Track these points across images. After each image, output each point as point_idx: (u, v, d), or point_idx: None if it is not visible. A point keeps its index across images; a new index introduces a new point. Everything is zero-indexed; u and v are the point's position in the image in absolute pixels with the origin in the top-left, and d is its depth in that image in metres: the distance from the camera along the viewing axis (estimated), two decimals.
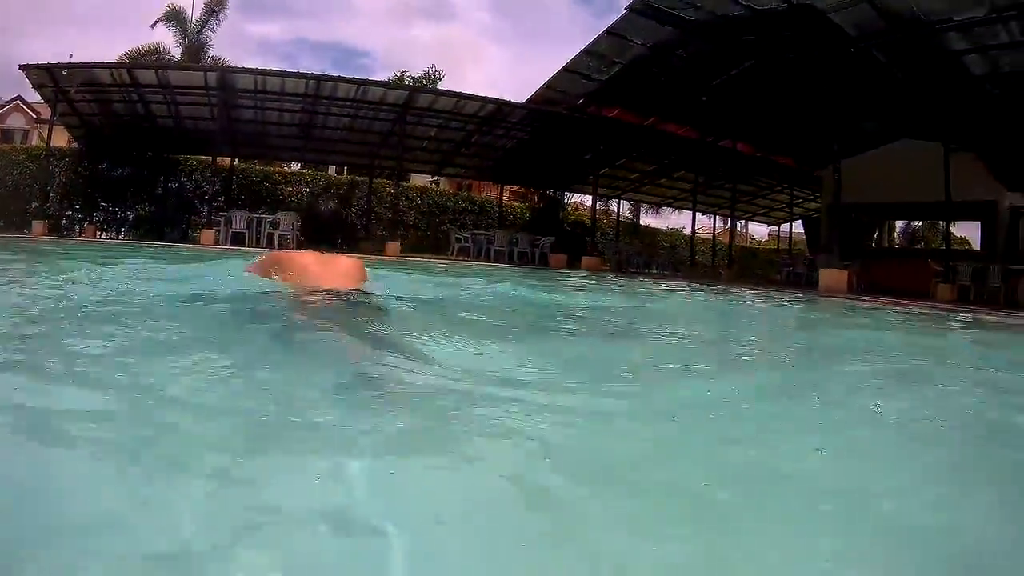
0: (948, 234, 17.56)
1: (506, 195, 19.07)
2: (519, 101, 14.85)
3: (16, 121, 25.08)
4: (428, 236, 17.85)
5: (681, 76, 14.48)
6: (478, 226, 17.52)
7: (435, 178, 21.27)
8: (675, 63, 13.92)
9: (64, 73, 14.44)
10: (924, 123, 14.34)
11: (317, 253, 3.16)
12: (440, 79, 23.92)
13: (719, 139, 17.05)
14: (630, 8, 12.13)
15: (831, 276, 12.13)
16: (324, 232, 3.46)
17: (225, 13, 21.79)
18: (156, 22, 21.58)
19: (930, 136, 13.72)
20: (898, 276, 15.01)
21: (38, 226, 14.57)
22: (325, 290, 2.88)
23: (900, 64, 12.16)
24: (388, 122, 15.27)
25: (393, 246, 14.02)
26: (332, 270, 3.02)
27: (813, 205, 19.80)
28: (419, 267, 9.87)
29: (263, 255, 3.47)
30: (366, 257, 12.46)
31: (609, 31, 12.96)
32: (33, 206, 16.66)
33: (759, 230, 31.52)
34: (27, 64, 14.23)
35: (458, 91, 14.84)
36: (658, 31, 12.64)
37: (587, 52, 13.58)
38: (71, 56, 16.51)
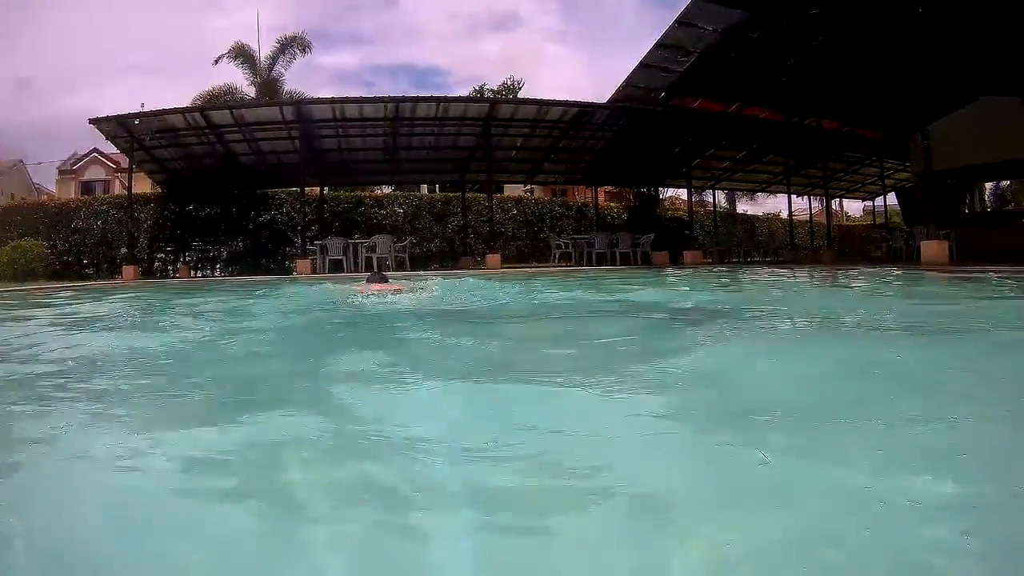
0: None
1: (601, 196, 18.81)
2: (602, 101, 14.65)
3: (96, 173, 25.84)
4: (528, 245, 17.71)
5: (757, 58, 14.23)
6: (577, 230, 17.26)
7: (529, 187, 21.12)
8: (749, 46, 13.64)
9: (136, 122, 14.63)
10: (1002, 77, 13.80)
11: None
12: (520, 88, 23.79)
13: (804, 118, 16.57)
14: None
15: (932, 248, 11.72)
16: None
17: (296, 50, 21.97)
18: (219, 58, 21.89)
19: (1010, 91, 13.19)
20: (995, 240, 14.37)
21: (128, 271, 14.84)
22: None
23: (969, 18, 11.61)
24: (473, 136, 15.13)
25: (494, 258, 13.89)
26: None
27: (904, 175, 19.07)
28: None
29: None
30: (466, 272, 12.41)
31: (679, 21, 12.87)
32: (122, 252, 17.07)
33: (854, 206, 30.94)
34: (97, 117, 14.49)
35: (539, 98, 14.65)
36: (728, 15, 12.48)
37: (661, 45, 13.43)
38: (143, 104, 16.87)
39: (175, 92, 57.35)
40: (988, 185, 25.95)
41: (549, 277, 9.82)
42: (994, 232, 15.24)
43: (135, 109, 14.96)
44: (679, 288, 7.51)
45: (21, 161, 27.07)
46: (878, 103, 16.18)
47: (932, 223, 12.56)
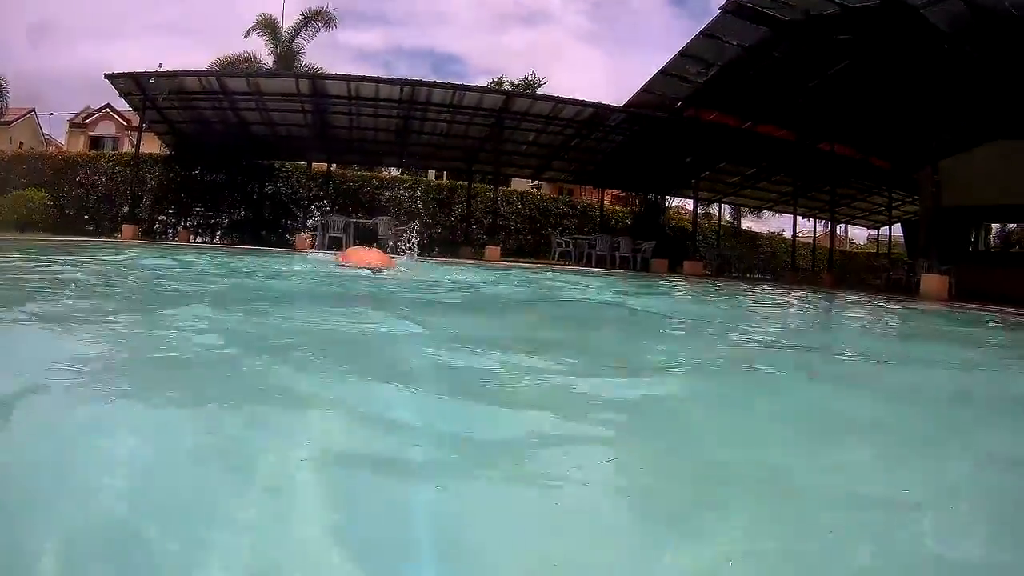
0: None
1: (607, 199, 18.82)
2: (617, 104, 14.63)
3: (106, 129, 25.74)
4: (530, 241, 17.71)
5: (777, 78, 14.22)
6: (580, 230, 17.27)
7: (536, 182, 21.11)
8: (771, 64, 13.64)
9: (151, 81, 14.53)
10: (1020, 121, 13.73)
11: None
12: (540, 85, 23.91)
13: (817, 141, 16.54)
14: (724, 9, 12.02)
15: (932, 282, 11.82)
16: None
17: (320, 24, 21.86)
18: (250, 31, 21.80)
19: None
20: (998, 281, 14.32)
21: (128, 230, 14.78)
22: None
23: (994, 60, 11.61)
24: (486, 127, 15.10)
25: (493, 251, 13.88)
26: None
27: (911, 208, 19.05)
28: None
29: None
30: (465, 262, 12.38)
31: (704, 33, 12.89)
32: (124, 210, 16.98)
33: (858, 233, 31.13)
34: (113, 73, 14.39)
35: (555, 95, 14.62)
36: (753, 32, 12.49)
37: (683, 54, 13.45)
38: (160, 65, 16.75)
39: (195, 55, 57.00)
40: (995, 226, 25.94)
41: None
42: (997, 273, 15.18)
43: (153, 67, 14.98)
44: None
45: (33, 110, 27.01)
46: (892, 134, 16.13)
47: (935, 258, 12.58)
